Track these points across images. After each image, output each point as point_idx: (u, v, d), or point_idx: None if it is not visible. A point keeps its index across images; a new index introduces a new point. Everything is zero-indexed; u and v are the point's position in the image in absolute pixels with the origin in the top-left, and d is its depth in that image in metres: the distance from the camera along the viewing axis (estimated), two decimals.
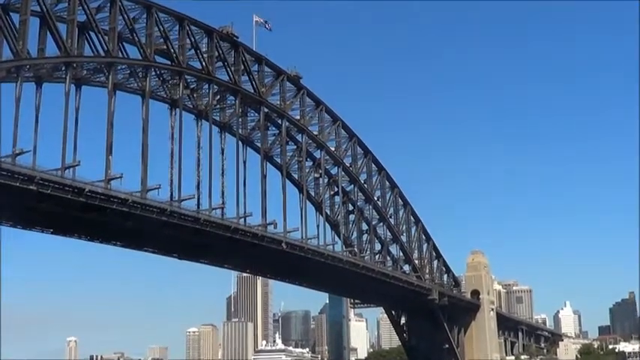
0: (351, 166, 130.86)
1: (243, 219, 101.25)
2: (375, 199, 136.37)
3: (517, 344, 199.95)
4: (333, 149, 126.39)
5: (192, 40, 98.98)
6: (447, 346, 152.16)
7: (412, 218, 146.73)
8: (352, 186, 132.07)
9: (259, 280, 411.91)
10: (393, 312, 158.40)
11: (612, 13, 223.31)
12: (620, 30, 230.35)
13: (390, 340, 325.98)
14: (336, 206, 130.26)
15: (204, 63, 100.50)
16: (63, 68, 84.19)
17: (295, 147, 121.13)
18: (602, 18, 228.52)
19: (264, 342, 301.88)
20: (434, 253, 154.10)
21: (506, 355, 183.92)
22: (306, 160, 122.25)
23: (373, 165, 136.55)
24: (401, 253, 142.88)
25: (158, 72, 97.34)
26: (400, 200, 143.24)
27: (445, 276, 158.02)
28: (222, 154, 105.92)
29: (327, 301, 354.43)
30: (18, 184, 74.24)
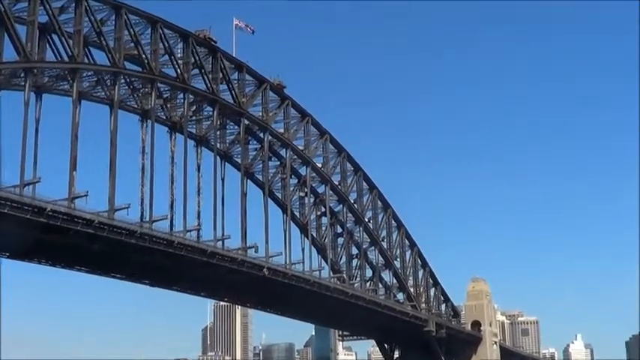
0: (339, 184, 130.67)
1: (220, 242, 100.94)
2: (366, 220, 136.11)
3: None
4: (320, 166, 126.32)
5: (166, 44, 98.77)
6: None
7: (407, 241, 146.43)
8: (341, 206, 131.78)
9: (238, 310, 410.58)
10: (386, 345, 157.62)
11: (612, 13, 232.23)
12: (620, 30, 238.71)
13: None
14: (323, 228, 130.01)
15: (178, 70, 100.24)
16: (22, 74, 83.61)
17: (279, 163, 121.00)
18: (602, 18, 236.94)
19: None
20: (431, 280, 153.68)
21: None
22: (291, 178, 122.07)
23: (364, 183, 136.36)
24: (394, 280, 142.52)
25: (128, 80, 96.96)
26: (394, 222, 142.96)
27: (443, 305, 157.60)
28: (199, 170, 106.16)
29: (313, 333, 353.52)
30: None
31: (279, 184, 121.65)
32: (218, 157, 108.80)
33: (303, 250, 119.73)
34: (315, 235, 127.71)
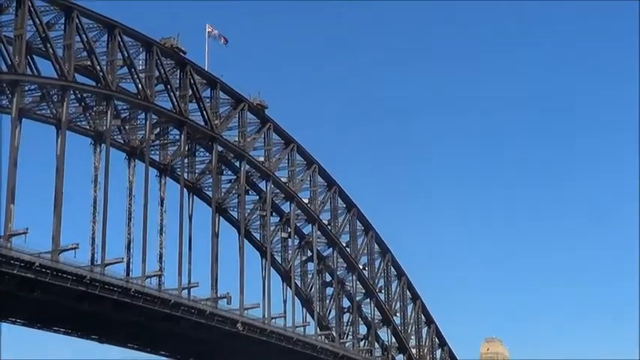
0: (329, 223, 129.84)
1: (186, 291, 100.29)
2: (361, 267, 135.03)
3: None
4: (306, 201, 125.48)
5: (126, 54, 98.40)
6: None
7: (408, 293, 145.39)
8: (331, 250, 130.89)
9: None
10: None
11: (612, 13, 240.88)
12: (620, 30, 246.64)
13: None
14: (310, 276, 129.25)
15: (140, 85, 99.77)
16: None
17: (257, 198, 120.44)
18: (602, 18, 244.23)
19: None
20: (437, 340, 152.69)
21: None
22: (272, 216, 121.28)
23: (358, 222, 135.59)
24: (393, 339, 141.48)
25: (79, 95, 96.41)
26: (393, 269, 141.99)
27: None
28: (162, 204, 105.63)
29: None
30: None
31: (258, 222, 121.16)
32: (185, 190, 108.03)
33: (284, 301, 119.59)
34: (299, 284, 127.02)
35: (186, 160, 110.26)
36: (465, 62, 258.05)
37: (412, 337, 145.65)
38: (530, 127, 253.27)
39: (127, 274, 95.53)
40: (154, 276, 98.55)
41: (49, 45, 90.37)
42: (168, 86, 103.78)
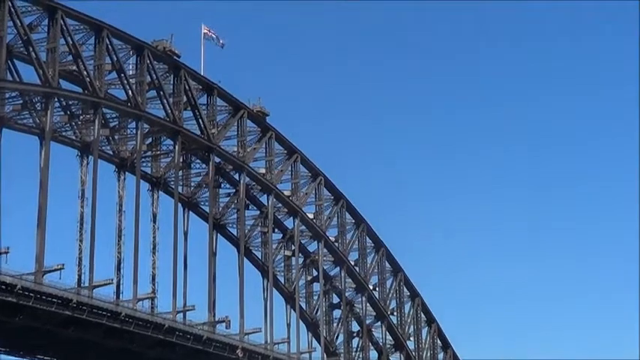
0: (336, 240, 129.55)
1: (181, 314, 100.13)
2: (371, 287, 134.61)
3: None
4: (311, 216, 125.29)
5: (115, 58, 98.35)
6: None
7: (423, 316, 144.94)
8: (338, 269, 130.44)
9: None
10: None
11: (612, 13, 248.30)
12: (620, 30, 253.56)
13: None
14: (315, 297, 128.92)
15: (130, 92, 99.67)
16: None
17: (258, 213, 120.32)
18: (602, 18, 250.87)
19: None
20: None
21: None
22: (274, 232, 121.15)
23: (368, 239, 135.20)
24: None
25: (64, 103, 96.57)
26: (406, 290, 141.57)
27: None
28: (154, 221, 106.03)
29: None
30: None
31: (259, 239, 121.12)
32: (180, 205, 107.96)
33: (288, 325, 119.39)
34: (304, 307, 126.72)
35: (180, 173, 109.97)
36: (478, 61, 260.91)
37: None
38: (530, 126, 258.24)
39: (117, 297, 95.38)
40: (147, 299, 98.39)
41: (31, 48, 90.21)
42: (161, 92, 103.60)
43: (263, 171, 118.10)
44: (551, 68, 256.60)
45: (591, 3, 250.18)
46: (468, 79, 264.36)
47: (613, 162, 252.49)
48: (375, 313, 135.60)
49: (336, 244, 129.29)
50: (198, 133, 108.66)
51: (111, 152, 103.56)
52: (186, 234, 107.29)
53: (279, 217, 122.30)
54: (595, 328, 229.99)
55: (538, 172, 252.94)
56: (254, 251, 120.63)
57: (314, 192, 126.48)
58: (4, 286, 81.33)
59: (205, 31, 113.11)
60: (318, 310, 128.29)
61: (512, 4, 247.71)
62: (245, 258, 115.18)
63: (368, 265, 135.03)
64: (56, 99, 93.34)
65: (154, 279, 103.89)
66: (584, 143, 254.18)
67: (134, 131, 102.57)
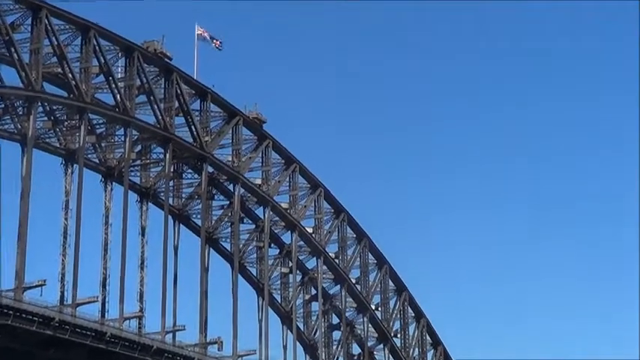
0: (337, 257, 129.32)
1: (171, 335, 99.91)
2: (373, 307, 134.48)
3: None
4: (310, 231, 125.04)
5: (102, 60, 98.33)
6: None
7: (428, 338, 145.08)
8: (338, 287, 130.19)
9: None
10: None
11: (612, 13, 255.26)
12: (620, 30, 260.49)
13: None
14: (314, 318, 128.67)
15: (118, 96, 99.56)
16: None
17: (254, 226, 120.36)
18: (602, 18, 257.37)
19: None
20: None
21: None
22: (270, 247, 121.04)
23: (370, 255, 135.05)
24: None
25: (48, 108, 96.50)
26: (411, 310, 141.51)
27: None
28: (142, 234, 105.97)
29: None
30: None
31: (254, 255, 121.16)
32: (170, 217, 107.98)
33: (285, 347, 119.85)
34: (301, 328, 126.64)
35: (171, 183, 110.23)
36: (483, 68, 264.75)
37: None
38: (529, 126, 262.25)
39: (102, 316, 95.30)
40: (134, 318, 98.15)
41: (13, 49, 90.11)
42: (152, 97, 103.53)
43: (259, 182, 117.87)
44: (551, 68, 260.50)
45: (591, 3, 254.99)
46: (468, 79, 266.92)
47: (612, 164, 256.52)
48: (377, 335, 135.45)
49: (337, 260, 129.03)
50: (191, 140, 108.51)
51: (97, 161, 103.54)
52: (176, 249, 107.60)
53: (275, 231, 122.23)
54: (595, 328, 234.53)
55: (539, 182, 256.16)
56: (249, 267, 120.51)
57: (313, 205, 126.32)
58: None
59: (199, 31, 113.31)
60: (316, 331, 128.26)
61: (513, 4, 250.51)
62: (239, 275, 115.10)
63: (370, 283, 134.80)
64: (39, 103, 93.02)
65: (141, 297, 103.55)
66: (584, 144, 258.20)
67: (122, 138, 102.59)
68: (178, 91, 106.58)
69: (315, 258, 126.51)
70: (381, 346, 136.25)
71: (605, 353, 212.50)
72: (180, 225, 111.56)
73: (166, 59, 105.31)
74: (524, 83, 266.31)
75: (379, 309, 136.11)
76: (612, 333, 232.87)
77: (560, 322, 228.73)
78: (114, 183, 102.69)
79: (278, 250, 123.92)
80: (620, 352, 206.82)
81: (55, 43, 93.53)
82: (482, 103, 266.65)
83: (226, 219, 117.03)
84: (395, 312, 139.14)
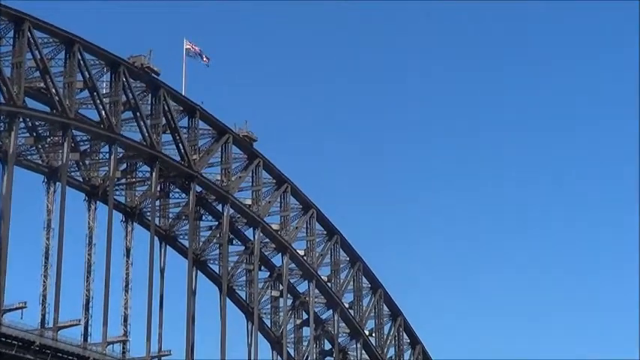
0: (329, 280, 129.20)
1: (157, 359, 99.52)
2: (367, 333, 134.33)
3: None
4: (302, 253, 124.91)
5: (87, 75, 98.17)
6: None
7: None
8: (331, 312, 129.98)
9: None
10: None
11: (612, 13, 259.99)
12: (620, 30, 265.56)
13: None
14: (305, 343, 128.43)
15: (103, 112, 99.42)
16: None
17: (243, 248, 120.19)
18: (602, 18, 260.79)
19: None
20: None
21: None
22: (260, 270, 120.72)
23: (364, 279, 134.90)
24: None
25: (30, 124, 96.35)
26: (406, 336, 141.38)
27: None
28: (128, 256, 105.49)
29: None
30: None
31: (243, 278, 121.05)
32: (156, 238, 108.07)
33: None
34: (292, 354, 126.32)
35: (157, 203, 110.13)
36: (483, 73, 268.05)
37: None
38: (529, 125, 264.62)
39: (85, 340, 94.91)
40: (118, 342, 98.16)
41: None
42: (138, 114, 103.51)
43: (249, 202, 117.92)
44: (551, 68, 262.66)
45: (591, 3, 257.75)
46: (468, 82, 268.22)
47: (612, 162, 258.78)
48: None
49: (329, 284, 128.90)
50: (178, 159, 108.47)
51: (81, 179, 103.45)
52: (162, 270, 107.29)
53: (266, 253, 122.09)
54: (595, 328, 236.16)
55: (539, 190, 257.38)
56: (238, 291, 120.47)
57: (305, 226, 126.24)
58: None
59: (188, 46, 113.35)
60: (307, 357, 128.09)
61: (513, 4, 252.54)
62: (228, 298, 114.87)
63: (364, 308, 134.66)
64: (21, 119, 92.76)
65: (126, 320, 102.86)
66: (584, 144, 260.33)
67: (107, 156, 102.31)
68: (166, 108, 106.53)
69: (306, 281, 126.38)
70: None
71: (605, 353, 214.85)
72: (167, 246, 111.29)
73: (153, 74, 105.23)
74: (524, 83, 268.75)
75: (373, 335, 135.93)
76: (612, 333, 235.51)
77: (560, 322, 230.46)
78: (98, 202, 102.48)
79: (268, 273, 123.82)
80: (620, 352, 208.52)
81: (38, 56, 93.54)
82: (482, 92, 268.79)
83: (215, 240, 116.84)
84: (389, 338, 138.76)
